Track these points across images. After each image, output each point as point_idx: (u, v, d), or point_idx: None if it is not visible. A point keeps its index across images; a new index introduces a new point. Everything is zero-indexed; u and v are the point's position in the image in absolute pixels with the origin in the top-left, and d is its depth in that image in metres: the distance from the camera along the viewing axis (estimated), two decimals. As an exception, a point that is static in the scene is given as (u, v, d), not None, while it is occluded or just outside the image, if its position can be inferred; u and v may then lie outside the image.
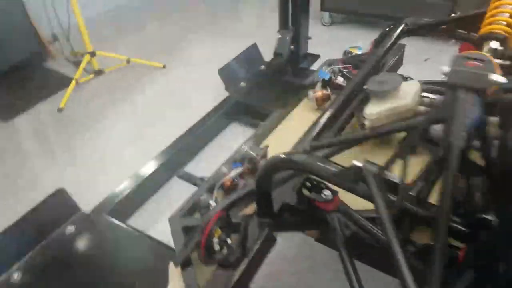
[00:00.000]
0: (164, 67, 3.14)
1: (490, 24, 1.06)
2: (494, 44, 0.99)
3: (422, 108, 0.88)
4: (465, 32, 1.38)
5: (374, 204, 0.79)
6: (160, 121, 2.56)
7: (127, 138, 2.41)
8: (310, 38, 2.87)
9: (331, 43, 3.22)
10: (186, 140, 2.14)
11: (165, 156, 1.98)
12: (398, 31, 1.39)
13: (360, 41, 3.22)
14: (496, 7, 1.07)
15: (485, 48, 1.04)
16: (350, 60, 1.88)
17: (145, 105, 2.75)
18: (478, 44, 1.10)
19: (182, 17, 4.12)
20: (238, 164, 1.25)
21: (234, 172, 1.20)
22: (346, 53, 2.09)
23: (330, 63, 1.91)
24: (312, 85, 1.81)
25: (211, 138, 2.37)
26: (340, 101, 1.09)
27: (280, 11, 2.69)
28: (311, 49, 2.90)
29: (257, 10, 4.21)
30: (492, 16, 1.07)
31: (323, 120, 1.03)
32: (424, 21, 1.42)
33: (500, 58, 0.97)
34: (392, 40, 1.35)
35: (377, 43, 1.57)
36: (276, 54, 2.80)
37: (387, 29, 1.53)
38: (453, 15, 1.41)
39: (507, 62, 0.94)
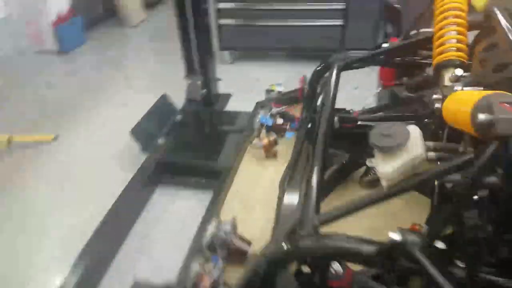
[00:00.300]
0: (56, 139, 2.64)
1: (442, 52, 1.04)
2: (459, 72, 0.97)
3: (432, 154, 0.79)
4: (400, 58, 1.38)
5: (434, 284, 0.64)
6: (61, 216, 2.01)
7: (18, 250, 1.83)
8: (220, 79, 2.75)
9: (238, 80, 3.15)
10: (104, 232, 1.69)
11: (79, 267, 1.50)
12: (335, 70, 1.32)
13: (265, 74, 3.23)
14: (442, 35, 1.06)
15: (447, 77, 1.01)
16: (283, 99, 1.79)
17: (38, 198, 2.17)
18: (435, 73, 1.07)
19: (73, 73, 3.62)
20: (214, 257, 1.00)
21: (215, 272, 0.94)
22: (268, 91, 2.00)
23: (262, 105, 1.79)
24: (252, 132, 1.67)
25: (137, 215, 1.99)
26: (319, 158, 0.95)
27: (184, 56, 2.52)
28: (220, 89, 2.78)
29: (156, 59, 3.94)
30: (442, 44, 1.05)
31: (314, 185, 0.87)
32: (359, 54, 1.39)
33: (468, 85, 0.94)
34: (334, 81, 1.28)
35: (312, 83, 1.51)
36: (189, 100, 2.61)
37: (320, 69, 1.47)
38: (384, 44, 1.41)
39: (480, 89, 0.91)
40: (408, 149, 0.76)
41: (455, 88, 0.92)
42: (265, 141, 1.53)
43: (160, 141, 2.28)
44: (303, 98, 1.60)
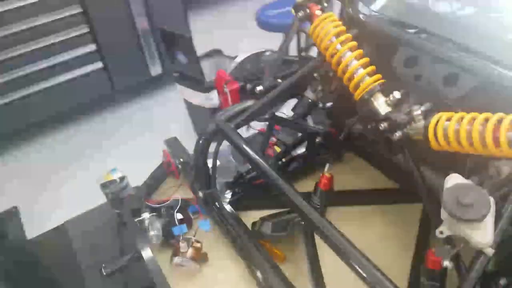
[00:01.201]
0: None
1: (358, 84, 1.01)
2: (398, 94, 0.97)
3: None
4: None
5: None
6: None
7: None
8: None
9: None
10: None
11: None
12: (233, 131, 1.14)
13: (39, 160, 2.38)
14: (346, 67, 1.02)
15: (380, 103, 1.00)
16: (149, 188, 1.39)
17: None
18: (362, 106, 1.04)
19: None
20: None
21: None
22: (105, 186, 1.46)
23: (133, 210, 1.31)
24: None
25: None
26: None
27: None
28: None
29: None
30: (352, 76, 1.02)
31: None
32: (243, 107, 1.22)
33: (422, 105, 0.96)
34: (241, 141, 1.10)
35: (200, 156, 1.24)
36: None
37: (205, 138, 1.23)
38: (258, 87, 1.26)
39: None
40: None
41: (415, 112, 0.93)
42: (190, 252, 1.15)
43: None
44: (195, 174, 1.30)
